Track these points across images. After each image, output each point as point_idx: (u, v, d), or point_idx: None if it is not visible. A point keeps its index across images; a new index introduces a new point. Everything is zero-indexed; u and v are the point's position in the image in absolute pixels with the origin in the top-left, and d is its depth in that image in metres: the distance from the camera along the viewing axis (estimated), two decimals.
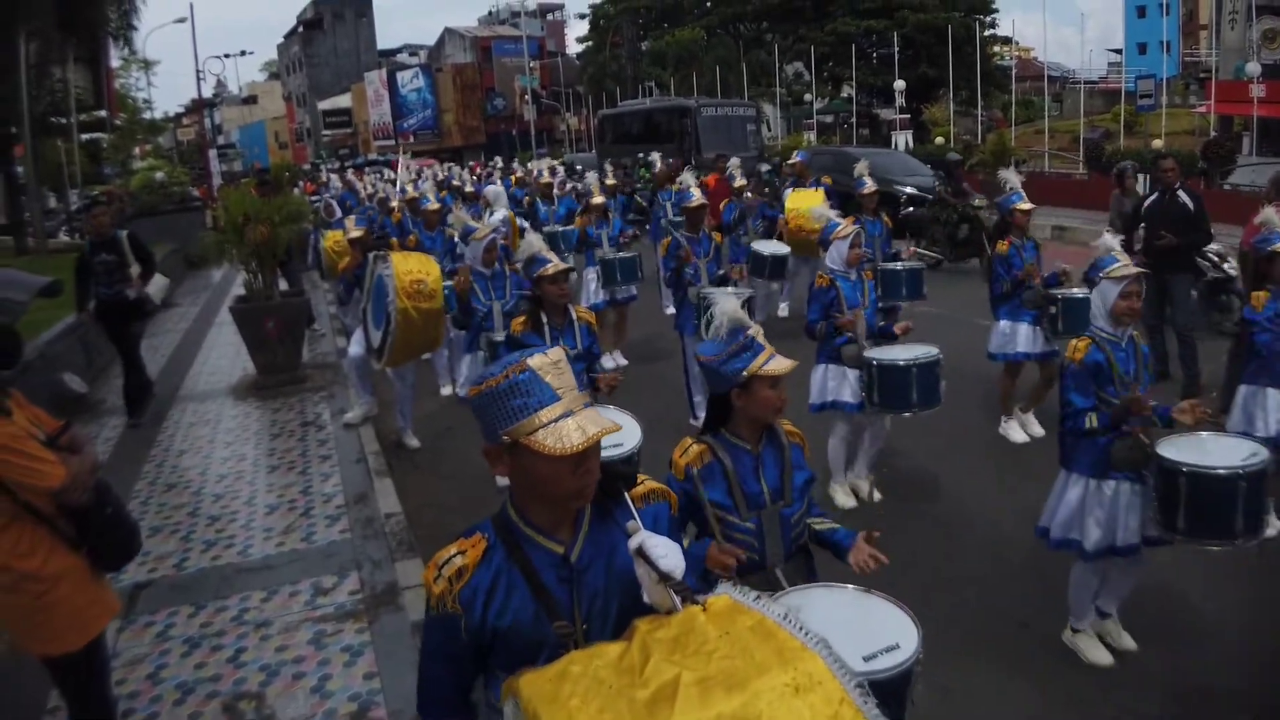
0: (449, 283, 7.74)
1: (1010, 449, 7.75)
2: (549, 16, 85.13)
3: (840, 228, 6.72)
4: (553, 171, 19.52)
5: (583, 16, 79.89)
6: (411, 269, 7.48)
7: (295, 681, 4.67)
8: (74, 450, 3.47)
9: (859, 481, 6.89)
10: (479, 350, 7.48)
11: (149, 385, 9.88)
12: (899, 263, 9.19)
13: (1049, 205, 20.76)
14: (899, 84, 40.07)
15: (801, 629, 1.82)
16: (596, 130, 41.92)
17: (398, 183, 17.71)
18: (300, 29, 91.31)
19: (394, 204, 14.36)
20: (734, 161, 13.68)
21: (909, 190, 19.75)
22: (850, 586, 2.97)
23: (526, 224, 14.31)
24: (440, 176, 24.10)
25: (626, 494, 2.31)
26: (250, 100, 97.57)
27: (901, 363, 6.05)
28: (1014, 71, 41.71)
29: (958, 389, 7.12)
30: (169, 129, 65.46)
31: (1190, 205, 8.90)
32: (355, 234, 9.38)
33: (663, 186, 14.67)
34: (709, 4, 57.85)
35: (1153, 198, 9.24)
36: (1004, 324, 7.80)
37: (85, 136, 30.76)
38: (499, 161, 30.84)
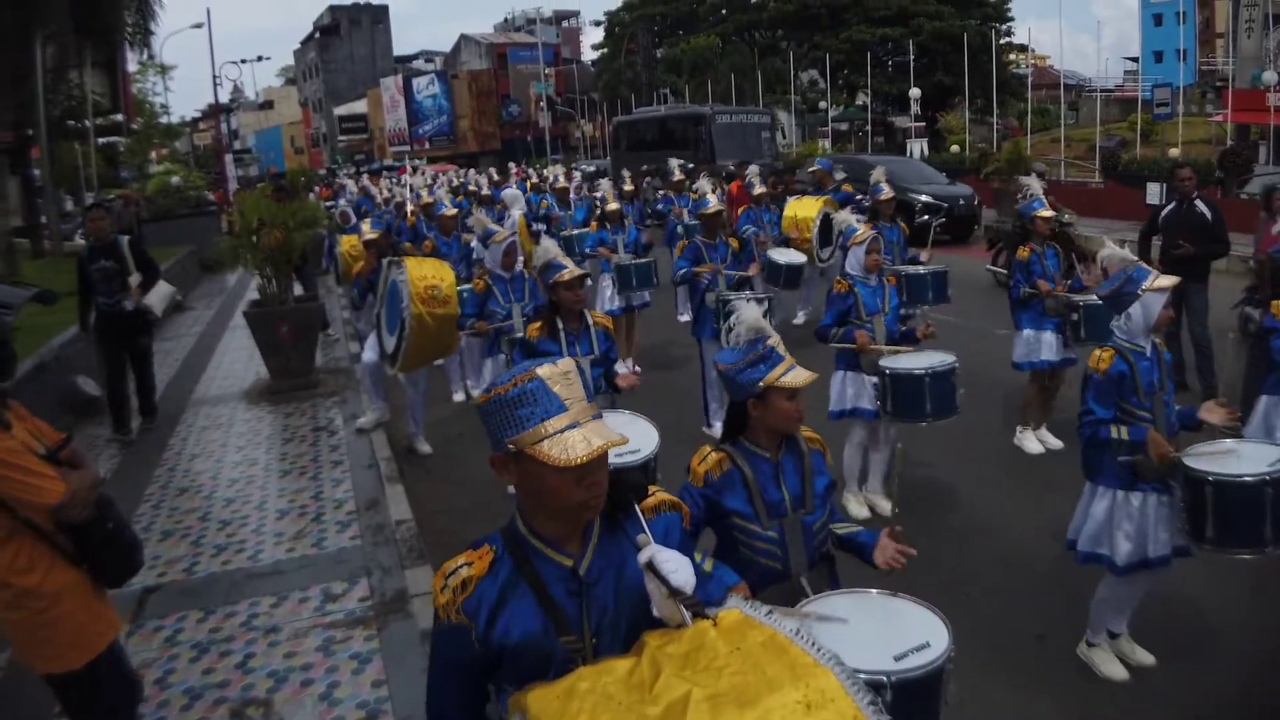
0: (467, 286, 7.74)
1: (1028, 459, 7.68)
2: (564, 23, 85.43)
3: (858, 233, 6.67)
4: (569, 176, 19.57)
5: (598, 23, 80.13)
6: (426, 274, 7.46)
7: (303, 688, 4.64)
8: (75, 465, 3.42)
9: (876, 498, 6.82)
10: (500, 353, 7.47)
11: (154, 405, 9.53)
12: (923, 266, 9.11)
13: None
14: (914, 92, 40.00)
15: (814, 645, 1.78)
16: (611, 137, 41.98)
17: (409, 187, 17.77)
18: (317, 35, 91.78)
19: (409, 209, 14.39)
20: (753, 169, 13.63)
21: (924, 198, 19.72)
22: (875, 591, 2.93)
23: (543, 228, 14.34)
24: (456, 182, 24.16)
25: (637, 505, 2.27)
26: (267, 105, 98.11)
27: (916, 372, 5.99)
28: (1030, 79, 41.57)
29: (975, 398, 7.06)
30: (185, 133, 65.76)
31: (1208, 215, 8.83)
32: (370, 236, 9.36)
33: (679, 193, 14.65)
34: (724, 11, 57.86)
35: (1170, 207, 9.18)
36: (1028, 333, 7.71)
37: (102, 140, 30.93)
38: (512, 167, 30.89)
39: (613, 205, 11.79)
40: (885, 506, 6.71)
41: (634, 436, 4.69)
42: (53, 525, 3.37)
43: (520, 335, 6.77)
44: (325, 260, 14.27)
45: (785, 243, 11.57)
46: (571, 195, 16.92)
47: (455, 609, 2.15)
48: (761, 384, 3.03)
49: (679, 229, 12.71)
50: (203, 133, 72.03)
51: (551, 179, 19.01)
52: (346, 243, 11.63)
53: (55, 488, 3.27)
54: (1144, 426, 4.29)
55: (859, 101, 51.34)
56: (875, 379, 6.27)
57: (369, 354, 8.78)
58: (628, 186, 15.24)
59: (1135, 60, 47.83)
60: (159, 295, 9.03)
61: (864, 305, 6.41)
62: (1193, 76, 45.28)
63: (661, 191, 20.78)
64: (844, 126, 50.98)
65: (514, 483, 2.16)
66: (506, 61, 75.90)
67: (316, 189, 31.18)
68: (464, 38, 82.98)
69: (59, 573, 3.41)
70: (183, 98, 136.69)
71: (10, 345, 3.52)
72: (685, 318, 10.28)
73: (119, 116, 28.83)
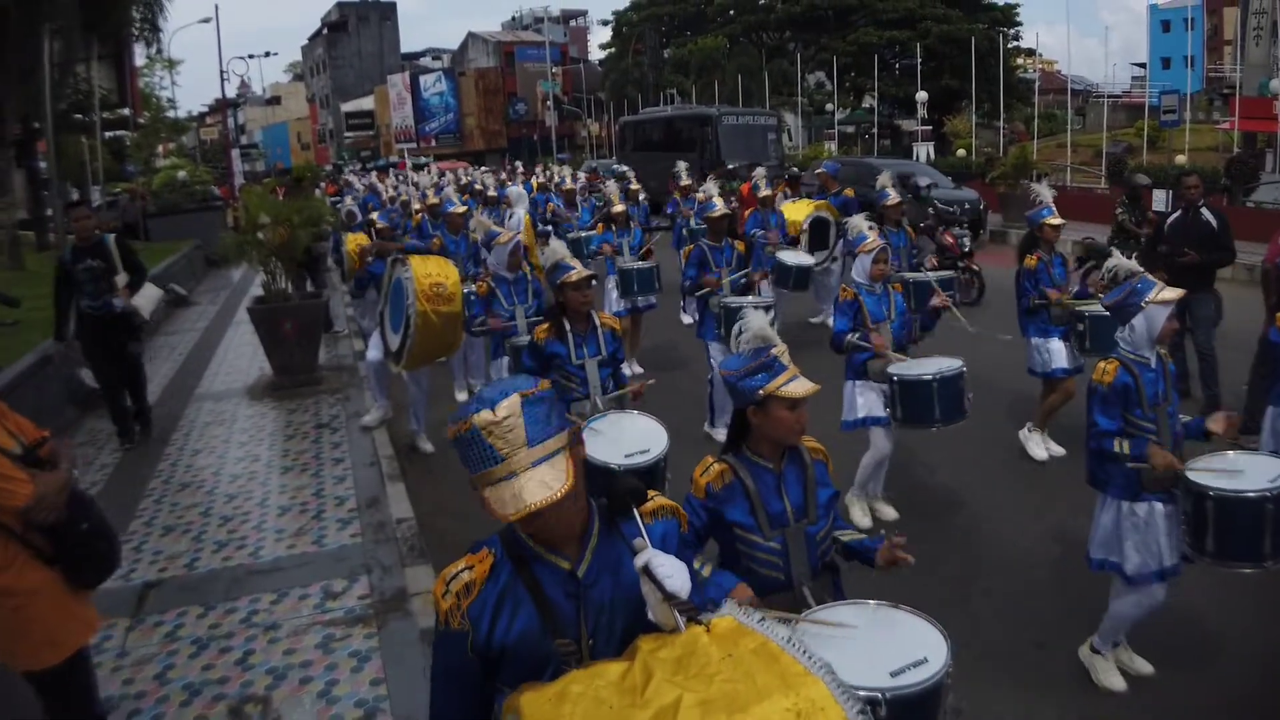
0: (472, 286, 7.74)
1: (1033, 465, 7.66)
2: (572, 23, 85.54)
3: (866, 241, 6.63)
4: (574, 177, 19.55)
5: (605, 23, 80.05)
6: (431, 272, 7.45)
7: (302, 686, 4.64)
8: (54, 463, 3.41)
9: (879, 504, 6.80)
10: (504, 356, 7.46)
11: (148, 413, 8.98)
12: (930, 272, 9.08)
13: (1071, 220, 20.56)
14: (921, 95, 40.00)
15: (805, 653, 1.80)
16: (617, 137, 41.98)
17: (414, 184, 17.77)
18: (324, 31, 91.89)
19: (415, 207, 14.38)
20: (759, 171, 13.62)
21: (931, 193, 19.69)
22: (874, 602, 2.92)
23: (550, 229, 14.33)
24: (463, 181, 24.16)
25: (636, 509, 2.27)
26: (274, 101, 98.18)
27: (924, 377, 5.96)
28: (1037, 84, 41.50)
29: (982, 404, 7.04)
30: (192, 128, 65.86)
31: (1213, 223, 8.81)
32: (380, 225, 9.40)
33: (685, 195, 14.64)
34: (732, 12, 57.89)
35: (1175, 215, 9.15)
36: (1037, 341, 7.69)
37: (109, 134, 30.93)
38: (519, 165, 30.87)
39: (618, 207, 11.78)
40: (888, 512, 6.70)
41: (643, 436, 4.69)
42: (23, 526, 3.35)
43: (522, 342, 6.76)
44: (331, 255, 14.29)
45: (795, 244, 11.58)
46: (578, 196, 16.92)
47: (460, 614, 2.15)
48: (761, 392, 3.01)
49: (685, 231, 12.73)
50: (209, 128, 72.22)
51: (558, 180, 18.97)
52: (352, 241, 11.63)
53: (22, 490, 3.25)
54: (1145, 439, 4.28)
55: (866, 104, 51.31)
56: (883, 386, 6.24)
57: (373, 352, 8.78)
58: (634, 187, 15.21)
59: (1143, 66, 47.94)
60: (146, 298, 8.56)
61: (869, 313, 6.38)
62: (1200, 83, 45.15)
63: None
64: (850, 129, 50.97)
65: None
66: (514, 60, 76.02)
67: (322, 185, 31.20)
68: (471, 36, 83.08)
69: (32, 572, 3.40)
70: (190, 92, 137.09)
71: None
72: (689, 320, 10.27)
73: (126, 110, 28.86)
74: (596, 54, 76.36)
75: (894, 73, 49.35)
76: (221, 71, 39.17)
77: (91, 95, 23.78)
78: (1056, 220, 7.70)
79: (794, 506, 3.13)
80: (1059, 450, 7.72)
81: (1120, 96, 48.88)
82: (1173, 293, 4.36)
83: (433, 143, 74.38)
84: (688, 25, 60.63)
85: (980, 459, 7.74)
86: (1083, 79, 56.17)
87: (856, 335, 6.37)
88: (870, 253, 6.49)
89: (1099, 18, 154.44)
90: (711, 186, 11.17)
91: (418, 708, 4.24)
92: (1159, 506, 4.35)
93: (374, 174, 40.11)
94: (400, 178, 31.37)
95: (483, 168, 32.75)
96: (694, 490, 3.15)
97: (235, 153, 44.21)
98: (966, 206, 20.29)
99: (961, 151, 35.49)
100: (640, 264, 10.69)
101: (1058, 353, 7.58)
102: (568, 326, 5.60)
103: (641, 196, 15.05)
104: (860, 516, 6.63)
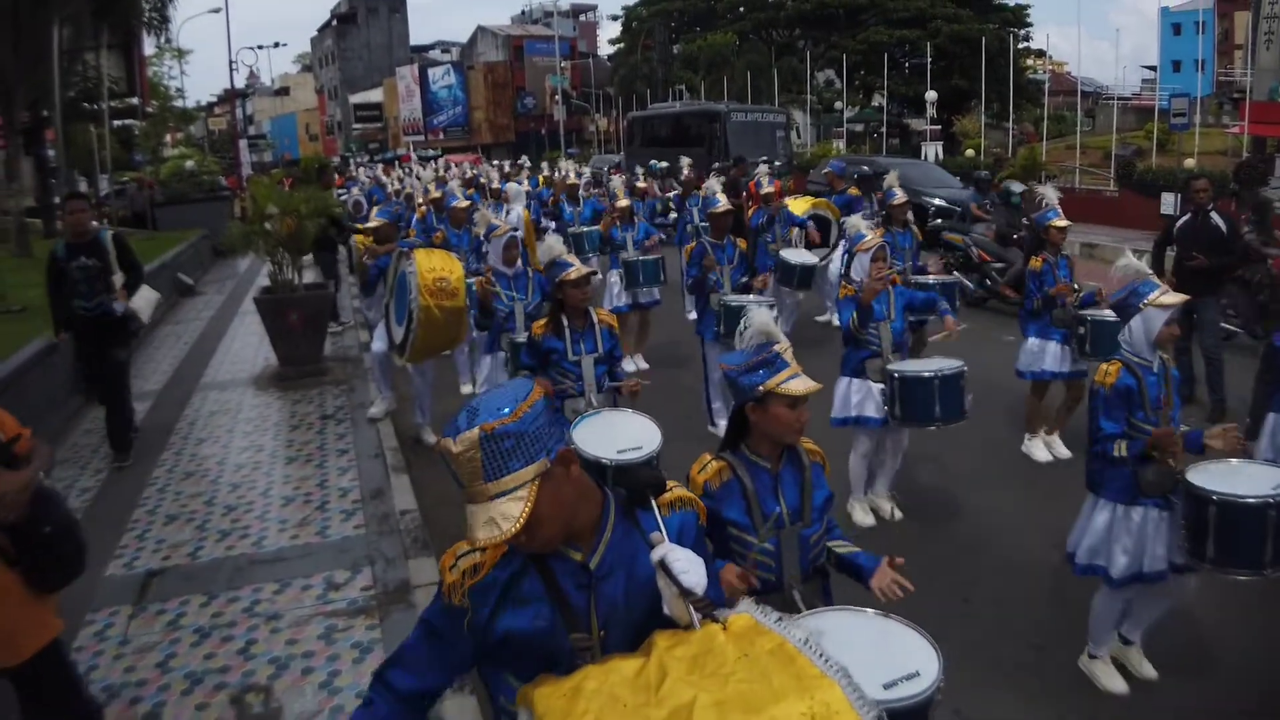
0: (471, 281, 7.73)
1: (1035, 468, 7.67)
2: (581, 17, 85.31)
3: (865, 239, 6.63)
4: (578, 172, 19.54)
5: (615, 18, 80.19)
6: (435, 266, 7.46)
7: (304, 676, 4.66)
8: (29, 461, 3.35)
9: (880, 501, 6.80)
10: (500, 351, 7.46)
11: (131, 423, 8.24)
12: (930, 276, 9.10)
13: (1079, 222, 20.54)
14: (930, 95, 39.88)
15: (822, 656, 1.78)
16: (626, 132, 41.91)
17: (417, 177, 17.77)
18: (334, 22, 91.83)
19: (419, 200, 14.39)
20: (762, 168, 13.60)
21: (938, 202, 19.68)
22: (870, 610, 2.91)
23: (551, 224, 14.33)
24: (469, 174, 24.15)
25: (654, 501, 2.26)
26: (282, 92, 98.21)
27: (925, 375, 5.97)
28: (1047, 85, 41.42)
29: (984, 406, 7.04)
30: (200, 118, 65.93)
31: (1223, 227, 8.79)
32: (373, 224, 9.37)
33: (689, 193, 14.63)
34: (742, 9, 57.72)
35: (1185, 218, 9.14)
36: (1033, 341, 7.70)
37: (117, 123, 31.00)
38: (526, 161, 30.85)
39: (623, 202, 11.79)
40: (889, 510, 6.71)
41: (636, 434, 4.71)
42: None
43: (520, 339, 6.75)
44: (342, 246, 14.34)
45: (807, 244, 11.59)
46: (580, 191, 16.91)
47: (462, 591, 2.15)
48: (761, 389, 3.01)
49: (689, 228, 12.72)
50: (218, 118, 72.17)
51: (563, 174, 18.96)
52: (361, 237, 11.66)
53: None
54: (1142, 442, 4.28)
55: (875, 103, 51.22)
56: (882, 385, 6.25)
57: (378, 344, 8.81)
58: (640, 183, 15.22)
59: (1153, 69, 47.68)
60: (145, 301, 7.95)
61: (871, 311, 6.38)
62: (1210, 87, 45.00)
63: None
64: (859, 128, 50.78)
65: None
66: (523, 54, 75.84)
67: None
68: (481, 29, 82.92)
69: None
70: (199, 82, 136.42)
71: None
72: (693, 316, 10.27)
73: (134, 99, 28.89)
74: (606, 49, 76.32)
75: (904, 72, 49.20)
76: (230, 62, 39.01)
77: (100, 84, 23.84)
78: (1062, 222, 7.70)
79: (789, 508, 3.13)
80: (1065, 453, 7.72)
81: (1130, 99, 48.80)
82: (1173, 297, 4.36)
83: (440, 136, 74.34)
84: (697, 21, 60.49)
85: (980, 461, 7.74)
86: (1093, 81, 56.12)
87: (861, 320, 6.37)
88: (868, 250, 6.49)
89: (1110, 20, 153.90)
90: (714, 183, 11.15)
91: None
92: (1153, 512, 4.35)
93: (379, 166, 40.08)
94: (405, 170, 31.38)
95: (495, 162, 32.69)
96: (691, 488, 3.11)
97: (243, 143, 44.22)
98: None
99: (970, 152, 35.39)
100: (645, 256, 10.71)
101: (1051, 355, 7.58)
102: (565, 323, 5.61)
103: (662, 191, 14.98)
104: (863, 516, 6.64)
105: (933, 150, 36.34)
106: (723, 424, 8.33)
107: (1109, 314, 6.86)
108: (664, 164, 22.63)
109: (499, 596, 2.14)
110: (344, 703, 4.41)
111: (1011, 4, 51.79)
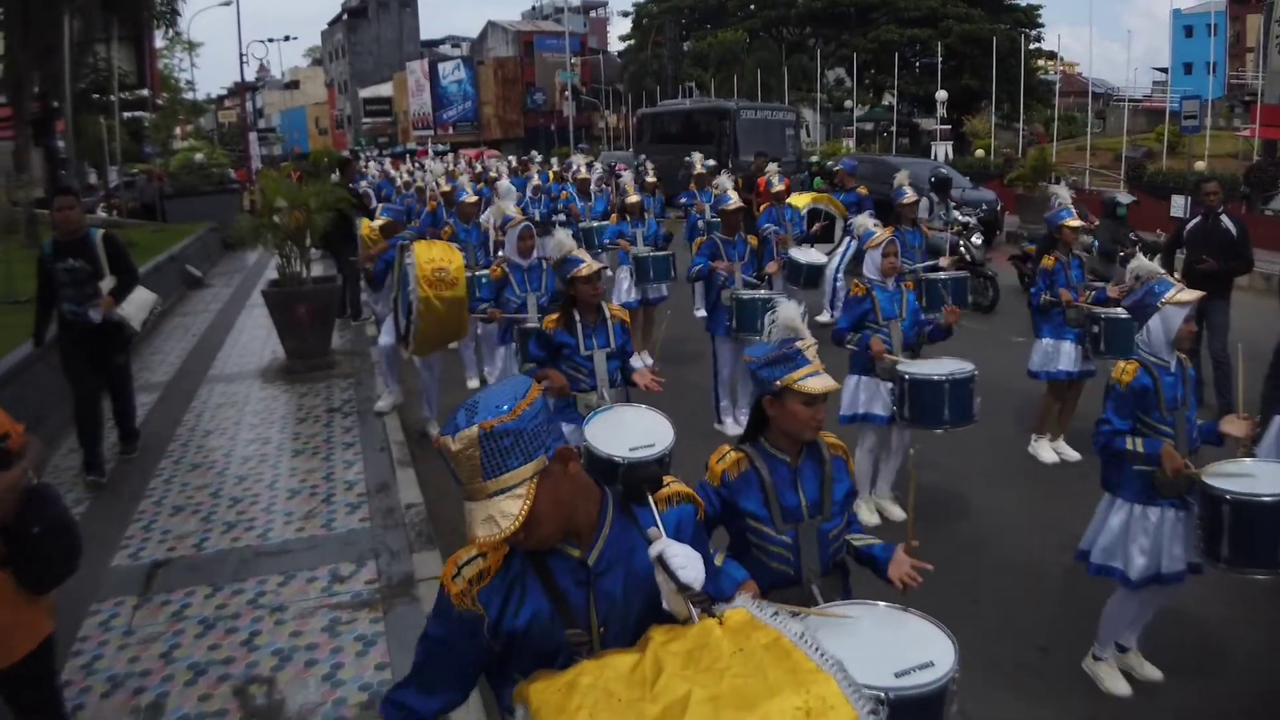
0: (484, 272, 7.72)
1: (1043, 470, 7.64)
2: (592, 13, 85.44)
3: (874, 236, 6.62)
4: (589, 167, 19.50)
5: (625, 14, 79.85)
6: (434, 256, 7.42)
7: (307, 669, 4.65)
8: (20, 459, 3.30)
9: (884, 502, 6.80)
10: (513, 342, 7.46)
11: (135, 431, 8.02)
12: (942, 273, 9.08)
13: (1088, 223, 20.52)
14: (941, 94, 39.80)
15: (817, 649, 1.78)
16: (635, 129, 41.92)
17: (429, 172, 17.76)
18: (344, 16, 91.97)
19: (431, 193, 14.39)
20: (772, 166, 13.57)
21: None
22: (883, 604, 2.90)
23: (562, 219, 14.32)
24: (478, 169, 24.15)
25: (651, 497, 2.26)
26: (292, 85, 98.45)
27: (935, 378, 5.95)
28: (1058, 86, 41.33)
29: (992, 407, 7.02)
30: (210, 111, 66.00)
31: (1233, 230, 8.76)
32: (379, 221, 9.36)
33: (700, 188, 14.61)
34: (752, 6, 57.65)
35: (1195, 221, 9.12)
36: (1047, 341, 7.67)
37: (127, 114, 31.02)
38: (537, 155, 30.83)
39: (633, 198, 11.78)
40: (895, 511, 6.69)
41: (649, 430, 4.70)
42: None
43: (536, 325, 6.75)
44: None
45: (811, 240, 11.57)
46: (592, 186, 16.89)
47: (470, 598, 2.15)
48: (779, 384, 3.00)
49: (699, 224, 12.70)
50: (228, 110, 72.30)
51: (573, 169, 18.93)
52: (366, 226, 11.65)
53: None
54: (1159, 440, 4.26)
55: (885, 102, 51.12)
56: (890, 384, 6.23)
57: (385, 337, 8.81)
58: (650, 179, 15.18)
59: (1164, 71, 47.54)
60: (138, 305, 7.42)
61: (881, 310, 6.37)
62: (1222, 90, 44.91)
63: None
64: (869, 127, 50.74)
65: None
66: (533, 49, 75.89)
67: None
68: (491, 24, 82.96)
69: None
70: (209, 75, 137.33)
71: None
72: (701, 313, 10.25)
73: (144, 91, 28.98)
74: (616, 45, 76.47)
75: (914, 71, 49.07)
76: (241, 55, 39.14)
77: (111, 75, 23.90)
78: (1076, 222, 7.67)
79: (809, 501, 3.11)
80: (1073, 455, 7.70)
81: (1141, 101, 48.70)
82: (1189, 294, 4.34)
83: (450, 130, 74.38)
84: (708, 18, 60.45)
85: (988, 461, 7.72)
86: (1104, 82, 55.99)
87: (856, 338, 6.38)
88: (878, 246, 6.48)
89: (1121, 21, 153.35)
90: (726, 180, 11.13)
91: None
92: (1170, 512, 4.33)
93: (388, 160, 40.08)
94: (417, 164, 31.39)
95: (509, 157, 32.68)
96: (709, 477, 3.13)
97: (253, 136, 44.31)
98: (984, 208, 20.20)
99: (980, 152, 35.36)
100: (656, 252, 10.70)
101: (1065, 355, 7.56)
102: (577, 317, 5.61)
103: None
104: (868, 515, 6.63)
105: (943, 150, 36.29)
106: (729, 422, 8.40)
107: (1121, 312, 6.84)
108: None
109: (503, 599, 2.15)
110: (346, 695, 4.41)
111: (1023, 4, 51.63)
